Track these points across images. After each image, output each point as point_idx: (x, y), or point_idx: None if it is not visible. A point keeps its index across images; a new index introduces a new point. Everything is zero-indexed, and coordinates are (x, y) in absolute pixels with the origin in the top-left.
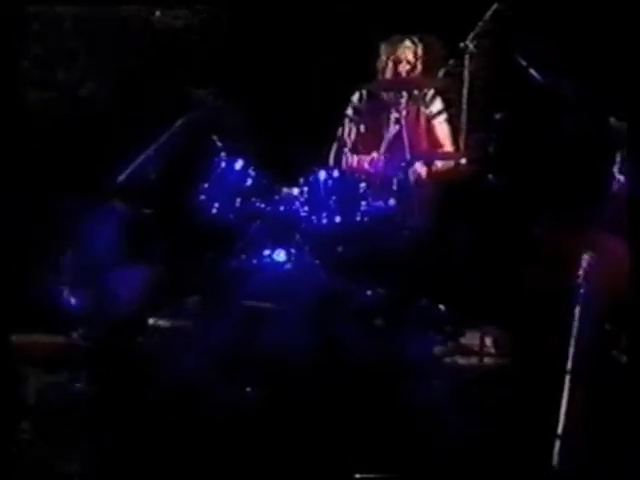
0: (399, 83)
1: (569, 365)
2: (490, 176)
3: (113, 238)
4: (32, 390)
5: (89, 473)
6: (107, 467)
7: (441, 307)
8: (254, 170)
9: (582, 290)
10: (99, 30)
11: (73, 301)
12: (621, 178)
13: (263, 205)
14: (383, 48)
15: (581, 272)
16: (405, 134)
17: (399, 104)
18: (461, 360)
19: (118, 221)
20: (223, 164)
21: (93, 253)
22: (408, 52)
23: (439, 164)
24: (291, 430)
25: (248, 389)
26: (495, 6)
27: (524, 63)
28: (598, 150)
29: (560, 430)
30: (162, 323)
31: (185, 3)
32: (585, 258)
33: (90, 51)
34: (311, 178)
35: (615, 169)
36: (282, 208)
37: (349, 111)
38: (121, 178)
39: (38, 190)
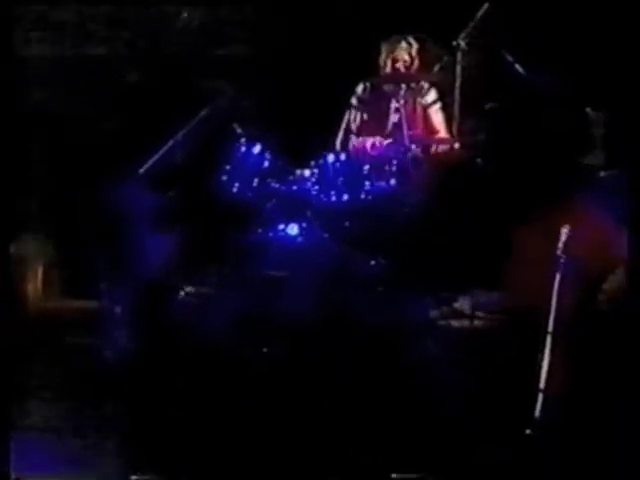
0: (398, 77)
1: (550, 326)
2: (478, 160)
3: (146, 216)
4: (68, 350)
5: (120, 427)
6: (138, 421)
7: (436, 275)
8: (270, 154)
9: (562, 260)
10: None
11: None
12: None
13: (278, 185)
14: (384, 47)
15: (561, 244)
16: (404, 121)
17: (398, 95)
18: (454, 322)
19: (149, 199)
20: (243, 149)
21: (129, 230)
22: (405, 51)
23: (434, 148)
24: (302, 383)
25: (264, 349)
26: (484, 8)
27: (510, 59)
28: (575, 137)
29: (542, 384)
30: (189, 289)
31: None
32: (564, 231)
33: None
34: (321, 161)
35: (591, 155)
36: (295, 187)
37: (354, 101)
38: (151, 162)
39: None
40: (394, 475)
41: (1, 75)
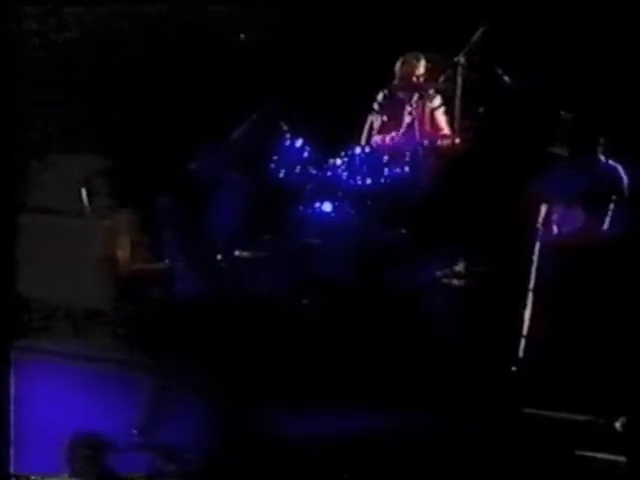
0: (411, 86)
1: (531, 285)
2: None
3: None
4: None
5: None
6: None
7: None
8: (309, 147)
9: (540, 231)
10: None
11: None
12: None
13: (315, 171)
14: (399, 62)
15: (540, 217)
16: (416, 122)
17: (411, 101)
18: (455, 281)
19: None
20: (288, 142)
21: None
22: (416, 65)
23: (439, 142)
24: (334, 325)
25: (305, 301)
26: (479, 33)
27: (499, 72)
28: (548, 132)
29: (525, 331)
30: (244, 254)
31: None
32: (543, 208)
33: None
34: (349, 152)
35: (563, 150)
36: (329, 174)
37: (375, 106)
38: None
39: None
40: None
41: None
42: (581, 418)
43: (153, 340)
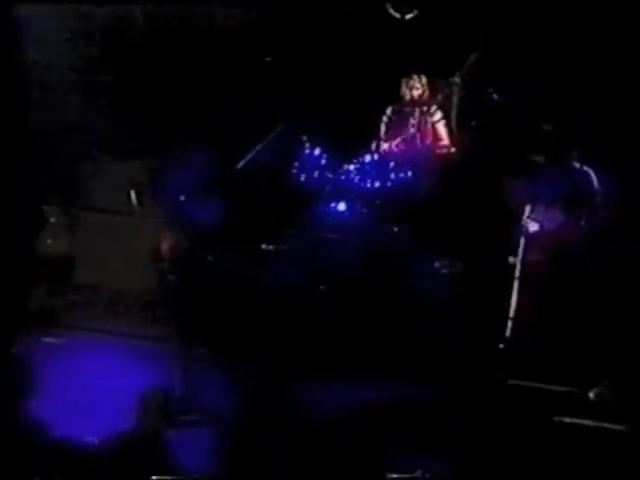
0: (414, 103)
1: (517, 274)
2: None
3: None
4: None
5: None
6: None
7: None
8: (326, 154)
9: (524, 226)
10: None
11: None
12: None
13: (331, 176)
14: (404, 82)
15: (524, 215)
16: (418, 133)
17: (414, 115)
18: (451, 269)
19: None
20: (307, 151)
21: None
22: (419, 85)
23: (439, 151)
24: (346, 309)
25: (321, 287)
26: (472, 57)
27: (490, 91)
28: (533, 144)
29: (512, 313)
30: (267, 247)
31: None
32: (528, 207)
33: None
34: (360, 159)
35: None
36: (343, 177)
37: (384, 119)
38: (242, 164)
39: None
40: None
41: None
42: (559, 389)
43: (192, 319)
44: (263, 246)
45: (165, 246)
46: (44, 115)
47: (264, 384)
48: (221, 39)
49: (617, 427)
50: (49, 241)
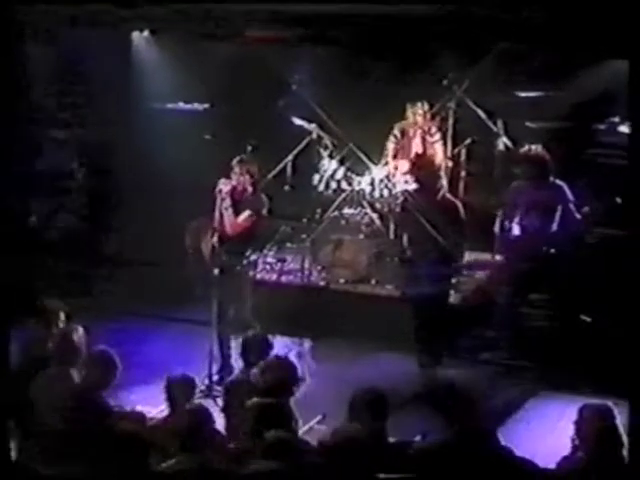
0: (417, 125)
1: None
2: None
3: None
4: None
5: None
6: None
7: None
8: (342, 166)
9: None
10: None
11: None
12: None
13: (346, 185)
14: (408, 107)
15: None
16: (420, 151)
17: (417, 135)
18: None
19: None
20: (326, 163)
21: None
22: (421, 110)
23: (437, 165)
24: None
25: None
26: (465, 84)
27: (480, 113)
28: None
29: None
30: (292, 246)
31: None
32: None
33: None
34: (371, 172)
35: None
36: (356, 187)
37: (392, 138)
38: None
39: None
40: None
41: None
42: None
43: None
44: (287, 245)
45: (205, 246)
46: None
47: None
48: None
49: None
50: None
